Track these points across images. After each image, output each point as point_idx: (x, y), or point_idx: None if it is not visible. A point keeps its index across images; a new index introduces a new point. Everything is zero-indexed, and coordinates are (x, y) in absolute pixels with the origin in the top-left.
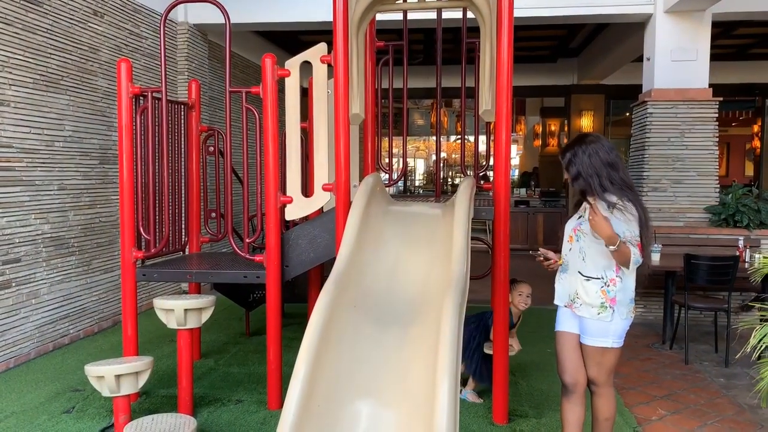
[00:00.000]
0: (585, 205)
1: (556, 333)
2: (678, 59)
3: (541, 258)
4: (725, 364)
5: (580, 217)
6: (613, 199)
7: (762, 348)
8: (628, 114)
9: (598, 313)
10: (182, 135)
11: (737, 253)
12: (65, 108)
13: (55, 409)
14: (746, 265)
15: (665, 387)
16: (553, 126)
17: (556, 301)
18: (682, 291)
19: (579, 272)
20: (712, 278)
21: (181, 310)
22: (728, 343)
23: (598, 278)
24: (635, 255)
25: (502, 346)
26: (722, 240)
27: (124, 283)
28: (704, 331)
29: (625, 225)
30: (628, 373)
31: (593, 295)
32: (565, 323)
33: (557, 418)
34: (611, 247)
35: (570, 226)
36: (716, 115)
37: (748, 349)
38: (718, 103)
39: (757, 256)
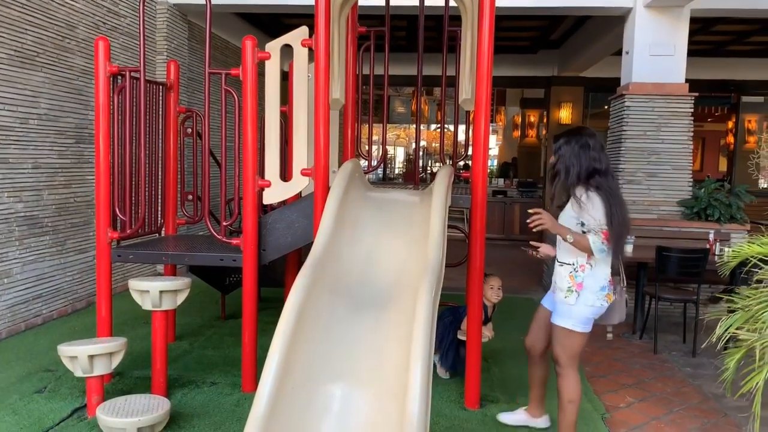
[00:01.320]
0: (572, 199)
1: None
2: (656, 54)
3: (529, 251)
4: (692, 354)
5: (561, 207)
6: (582, 190)
7: (726, 338)
8: (606, 107)
9: (565, 297)
10: (160, 116)
11: (707, 246)
12: (40, 85)
13: (27, 389)
14: (716, 258)
15: (634, 375)
16: (533, 117)
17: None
18: (653, 282)
19: (557, 258)
20: (683, 270)
21: (156, 291)
22: (696, 334)
23: (570, 264)
24: (595, 243)
25: (476, 333)
26: (694, 233)
27: (99, 263)
28: (673, 322)
29: (590, 214)
30: (598, 361)
31: (563, 279)
32: (546, 299)
33: (527, 404)
34: (568, 240)
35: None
36: (692, 110)
37: (714, 340)
38: (693, 98)
39: (726, 249)
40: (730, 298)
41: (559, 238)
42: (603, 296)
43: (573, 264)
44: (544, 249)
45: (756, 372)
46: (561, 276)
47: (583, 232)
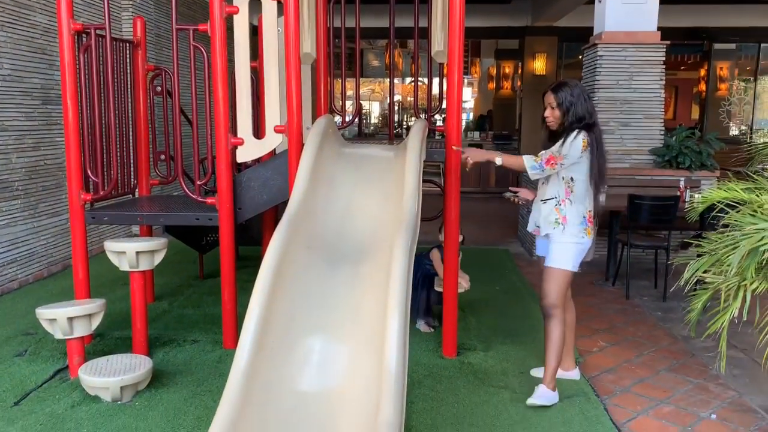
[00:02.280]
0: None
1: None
2: (628, 2)
3: (507, 197)
4: (663, 298)
5: None
6: (578, 130)
7: (694, 282)
8: (580, 57)
9: (553, 228)
10: (128, 75)
11: (678, 194)
12: (2, 45)
13: (7, 353)
14: (686, 205)
15: (606, 321)
16: (507, 68)
17: (528, 228)
18: (626, 230)
19: (540, 199)
20: (654, 218)
21: (132, 252)
22: (666, 279)
23: (552, 198)
24: (527, 160)
25: (452, 283)
26: (665, 181)
27: (73, 225)
28: (645, 269)
29: (562, 145)
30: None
31: (549, 213)
32: (540, 249)
33: (504, 350)
34: (497, 162)
35: None
36: (663, 58)
37: (682, 284)
38: (665, 46)
39: (696, 195)
40: (698, 243)
41: (543, 178)
42: (583, 230)
43: (555, 198)
44: (523, 193)
45: (721, 313)
46: (547, 211)
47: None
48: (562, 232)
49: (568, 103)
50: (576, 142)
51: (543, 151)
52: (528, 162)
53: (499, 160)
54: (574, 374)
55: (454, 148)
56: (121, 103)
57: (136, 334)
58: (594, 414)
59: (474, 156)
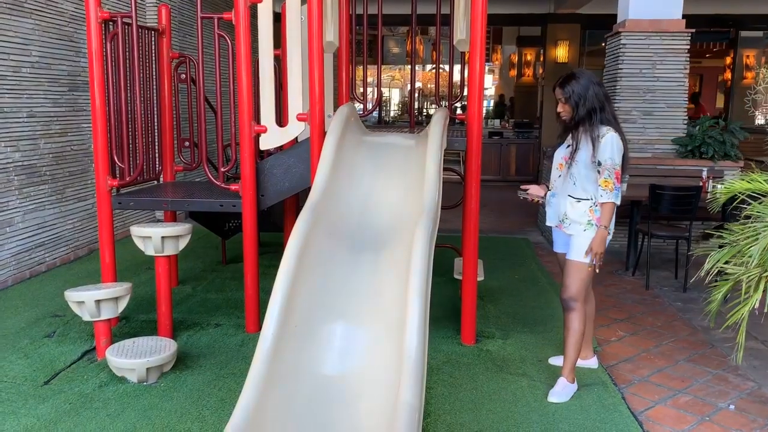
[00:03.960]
0: (579, 135)
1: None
2: None
3: (523, 198)
4: (683, 289)
5: (568, 146)
6: (604, 130)
7: (715, 273)
8: (603, 44)
9: (584, 230)
10: (153, 62)
11: (701, 184)
12: (30, 32)
13: (37, 334)
14: (708, 196)
15: (625, 311)
16: (529, 56)
17: (547, 223)
18: (647, 220)
19: (569, 195)
20: (676, 208)
21: (158, 237)
22: (687, 270)
23: (588, 199)
24: (611, 198)
25: (471, 272)
26: (688, 171)
27: (100, 210)
28: (666, 259)
29: (609, 153)
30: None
31: (582, 214)
32: (557, 244)
33: (522, 338)
34: (610, 233)
35: (560, 154)
36: (688, 47)
37: (703, 274)
38: (690, 34)
39: (719, 186)
40: (720, 233)
41: (576, 175)
42: (612, 228)
43: (591, 199)
44: (533, 190)
45: (741, 304)
46: (579, 211)
47: (598, 172)
48: (595, 233)
49: (576, 96)
50: (615, 144)
51: (602, 174)
52: (612, 198)
53: (609, 231)
54: (593, 362)
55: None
56: (146, 90)
57: (161, 317)
58: (611, 402)
59: (600, 248)
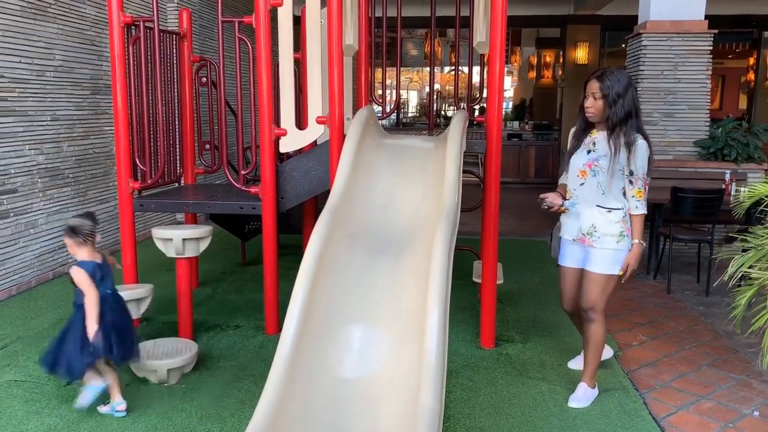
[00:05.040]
0: (593, 138)
1: (559, 266)
2: None
3: (546, 207)
4: (706, 293)
5: (590, 152)
6: (635, 136)
7: (739, 277)
8: (623, 45)
9: (617, 242)
10: (174, 65)
11: (723, 187)
12: (54, 37)
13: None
14: (731, 198)
15: (647, 315)
16: (548, 57)
17: (565, 235)
18: (668, 223)
19: (598, 205)
20: (698, 211)
21: (179, 239)
22: (709, 274)
23: (620, 209)
24: (639, 208)
25: (491, 275)
26: (710, 173)
27: (122, 212)
28: (687, 263)
29: (641, 162)
30: (611, 301)
31: (615, 225)
32: (568, 258)
33: (542, 342)
34: (643, 245)
35: (580, 161)
36: (710, 47)
37: (726, 278)
38: (713, 35)
39: (742, 189)
40: (744, 237)
41: (604, 183)
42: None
43: (622, 209)
44: (551, 197)
45: (766, 309)
46: (610, 222)
47: (630, 182)
48: (627, 244)
49: (615, 94)
50: (647, 153)
51: (635, 184)
52: (643, 209)
53: (641, 243)
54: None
55: (562, 209)
56: (167, 93)
57: (182, 318)
58: (633, 407)
59: (635, 264)
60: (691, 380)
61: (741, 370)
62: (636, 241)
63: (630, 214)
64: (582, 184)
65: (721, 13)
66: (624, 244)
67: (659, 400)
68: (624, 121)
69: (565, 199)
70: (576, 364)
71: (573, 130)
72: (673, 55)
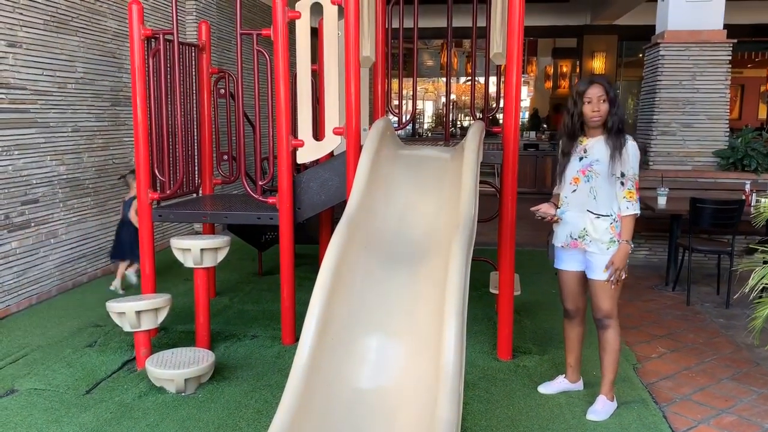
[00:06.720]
0: (583, 145)
1: (557, 271)
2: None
3: (540, 218)
4: (726, 305)
5: (582, 159)
6: (627, 136)
7: (760, 289)
8: (641, 55)
9: (608, 248)
10: (193, 77)
11: (743, 197)
12: (76, 49)
13: (79, 343)
14: (752, 209)
15: (666, 327)
16: (565, 67)
17: (557, 243)
18: (687, 234)
19: (589, 211)
20: (717, 222)
21: (197, 249)
22: (730, 285)
23: (608, 215)
24: (631, 209)
25: (508, 286)
26: (729, 184)
27: (141, 223)
28: (707, 274)
29: (632, 162)
30: (630, 313)
31: (603, 231)
32: (564, 262)
33: (559, 354)
34: (630, 248)
35: (574, 168)
36: (729, 57)
37: (747, 290)
38: (731, 45)
39: (763, 200)
40: (765, 249)
41: (596, 189)
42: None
43: (611, 215)
44: (544, 208)
45: None
46: (600, 229)
47: (621, 183)
48: (614, 246)
49: (614, 96)
50: (637, 153)
51: (626, 185)
52: (636, 209)
53: (629, 244)
54: (578, 386)
55: (555, 220)
56: (186, 105)
57: (199, 328)
58: (652, 421)
59: (622, 263)
60: (711, 393)
61: (762, 384)
62: (623, 240)
63: (620, 216)
64: (574, 191)
65: (740, 23)
66: (614, 250)
67: (679, 414)
68: (619, 125)
69: (557, 208)
70: (546, 388)
71: (561, 142)
72: (691, 65)
